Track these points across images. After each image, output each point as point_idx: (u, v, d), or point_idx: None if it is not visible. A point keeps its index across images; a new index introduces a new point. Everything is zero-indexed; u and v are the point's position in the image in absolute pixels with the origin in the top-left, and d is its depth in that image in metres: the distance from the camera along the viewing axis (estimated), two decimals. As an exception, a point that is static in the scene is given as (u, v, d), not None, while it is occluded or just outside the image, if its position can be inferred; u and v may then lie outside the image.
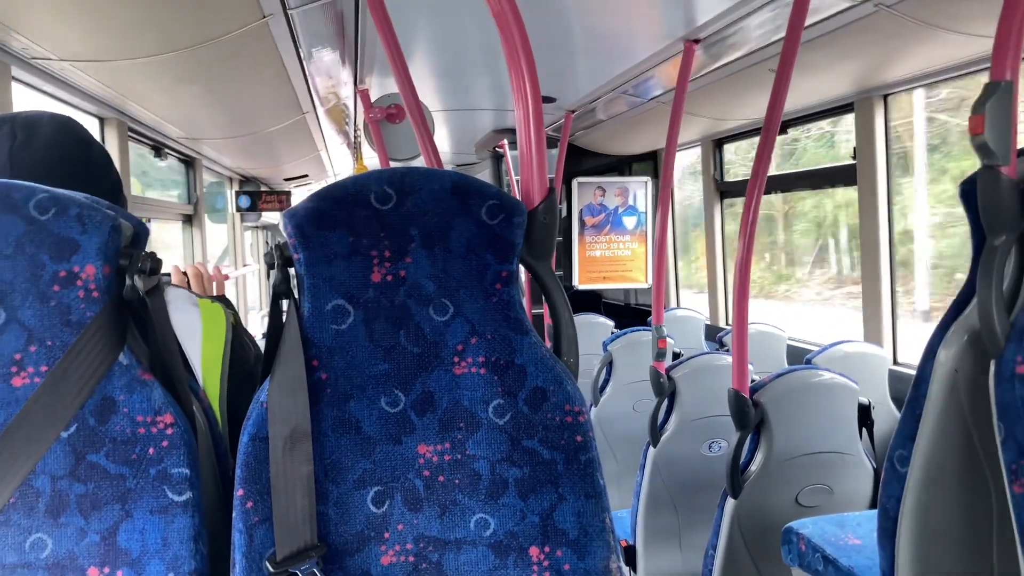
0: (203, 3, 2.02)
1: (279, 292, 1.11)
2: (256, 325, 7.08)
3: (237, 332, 1.31)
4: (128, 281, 1.06)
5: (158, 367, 1.09)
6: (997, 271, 1.25)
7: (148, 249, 1.16)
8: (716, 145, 4.92)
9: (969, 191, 1.29)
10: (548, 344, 1.19)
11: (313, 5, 2.19)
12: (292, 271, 1.12)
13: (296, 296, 1.11)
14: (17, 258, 1.01)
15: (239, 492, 1.06)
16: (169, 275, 1.77)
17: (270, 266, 1.13)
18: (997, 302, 1.24)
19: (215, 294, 1.79)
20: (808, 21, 2.20)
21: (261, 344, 1.43)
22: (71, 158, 1.25)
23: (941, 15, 2.29)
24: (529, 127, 1.19)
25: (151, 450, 1.04)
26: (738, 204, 4.88)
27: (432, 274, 1.11)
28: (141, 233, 1.13)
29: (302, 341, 1.08)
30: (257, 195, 6.40)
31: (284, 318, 1.11)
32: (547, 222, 1.18)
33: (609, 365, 3.64)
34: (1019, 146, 1.25)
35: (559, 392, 1.13)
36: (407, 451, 1.10)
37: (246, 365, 1.35)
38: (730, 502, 2.26)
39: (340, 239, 1.08)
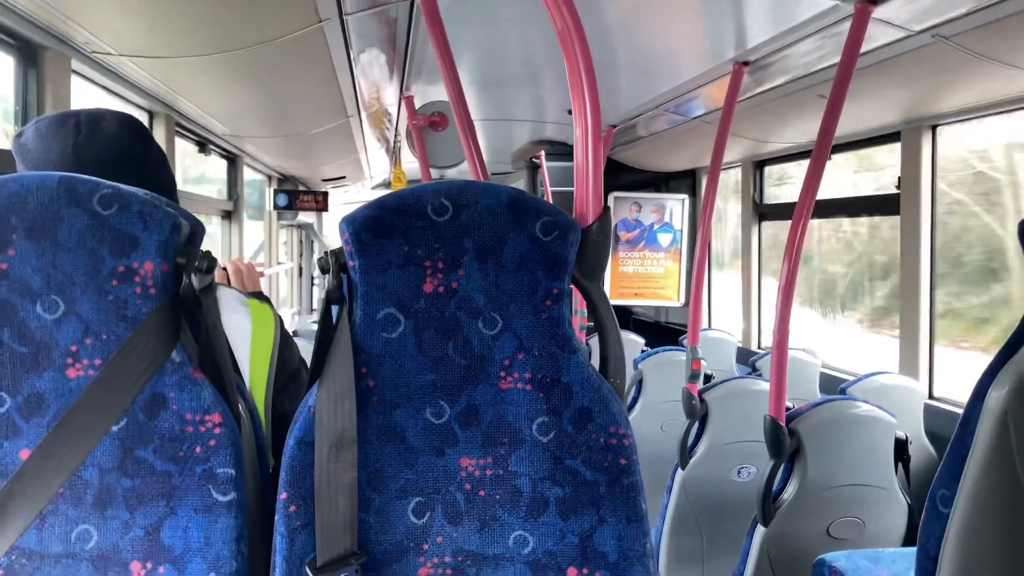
0: (261, 5, 2.04)
1: (333, 298, 1.12)
2: (287, 322, 7.12)
3: (283, 333, 1.32)
4: (185, 279, 1.07)
5: (208, 366, 1.10)
6: None
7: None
8: (757, 167, 4.89)
9: None
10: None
11: (369, 12, 2.21)
12: (346, 277, 1.12)
13: (349, 302, 1.12)
14: (78, 251, 1.02)
15: (283, 495, 1.06)
16: None
17: (324, 271, 1.14)
18: None
19: (252, 291, 1.80)
20: (863, 48, 2.18)
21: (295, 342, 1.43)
22: (131, 154, 1.28)
23: (999, 49, 2.27)
24: (588, 145, 1.19)
25: (198, 448, 1.04)
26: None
27: (483, 287, 1.11)
28: (198, 231, 1.14)
29: (352, 348, 1.08)
30: (295, 194, 6.45)
31: (336, 323, 1.11)
32: (600, 241, 1.18)
33: (639, 383, 3.62)
34: None
35: (604, 413, 1.12)
36: (450, 463, 1.10)
37: (291, 366, 1.35)
38: (760, 530, 2.23)
39: (395, 248, 1.08)
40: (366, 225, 1.08)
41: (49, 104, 2.07)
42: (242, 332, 1.24)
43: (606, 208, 1.19)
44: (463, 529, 1.10)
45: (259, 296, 1.69)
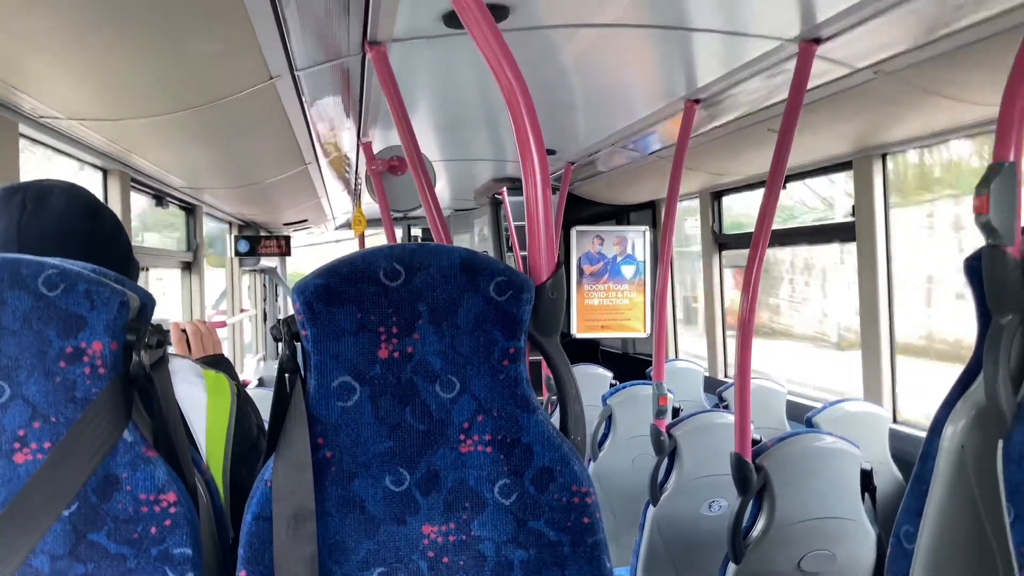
0: (210, 65, 2.03)
1: (286, 368, 1.11)
2: (251, 368, 7.05)
3: (241, 403, 1.30)
4: (135, 357, 1.05)
5: (162, 441, 1.08)
6: (1004, 350, 1.25)
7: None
8: (715, 197, 4.95)
9: (975, 267, 1.30)
10: (547, 394, 1.18)
11: (320, 66, 2.22)
12: (299, 346, 1.11)
13: (303, 372, 1.11)
14: (24, 334, 1.00)
15: (241, 573, 1.04)
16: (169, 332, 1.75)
17: (277, 340, 1.12)
18: (1004, 381, 1.24)
19: (212, 352, 1.78)
20: (809, 84, 2.23)
21: (253, 394, 1.41)
22: (79, 230, 1.26)
23: (940, 82, 2.33)
24: (538, 203, 1.20)
25: (153, 529, 1.02)
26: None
27: (439, 350, 1.10)
28: (148, 304, 1.12)
29: (308, 418, 1.07)
30: (256, 240, 6.42)
31: (290, 393, 1.10)
32: (555, 298, 1.18)
33: (608, 419, 3.62)
34: None
35: (566, 472, 1.12)
36: (411, 531, 1.09)
37: (250, 436, 1.33)
38: (732, 567, 2.23)
39: (348, 315, 1.08)
40: (317, 294, 1.07)
41: (-6, 171, 2.04)
42: (197, 404, 1.22)
43: (559, 264, 1.20)
44: None
45: (218, 360, 1.66)
